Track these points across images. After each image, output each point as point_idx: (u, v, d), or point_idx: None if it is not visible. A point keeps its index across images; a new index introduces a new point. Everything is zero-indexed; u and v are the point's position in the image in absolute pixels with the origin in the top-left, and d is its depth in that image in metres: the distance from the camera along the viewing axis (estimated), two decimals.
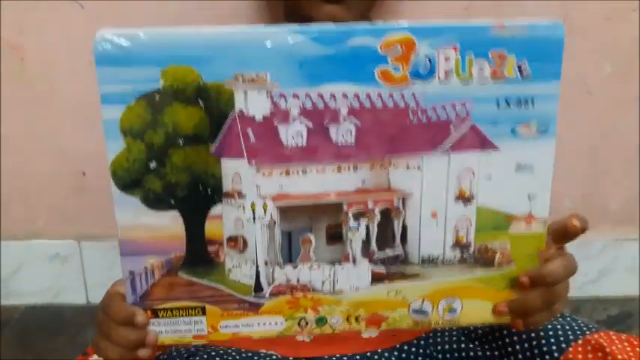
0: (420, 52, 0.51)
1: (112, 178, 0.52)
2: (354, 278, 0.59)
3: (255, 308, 0.58)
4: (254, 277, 0.57)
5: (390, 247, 0.59)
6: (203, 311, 0.58)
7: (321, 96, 0.51)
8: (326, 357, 0.76)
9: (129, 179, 0.52)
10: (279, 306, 0.59)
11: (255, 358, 0.74)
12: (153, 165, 0.52)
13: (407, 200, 0.57)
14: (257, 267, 0.56)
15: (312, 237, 0.57)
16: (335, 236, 0.58)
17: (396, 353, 0.78)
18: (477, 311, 0.60)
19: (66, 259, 1.25)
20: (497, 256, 0.58)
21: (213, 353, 0.74)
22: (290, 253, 0.57)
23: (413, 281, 0.59)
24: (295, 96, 0.51)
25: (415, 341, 0.78)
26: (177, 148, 0.51)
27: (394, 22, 0.52)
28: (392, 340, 0.79)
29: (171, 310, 0.57)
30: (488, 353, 0.72)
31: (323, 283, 0.59)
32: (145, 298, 0.56)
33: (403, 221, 0.57)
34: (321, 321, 0.60)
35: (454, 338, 0.77)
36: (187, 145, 0.51)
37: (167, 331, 0.58)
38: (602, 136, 1.18)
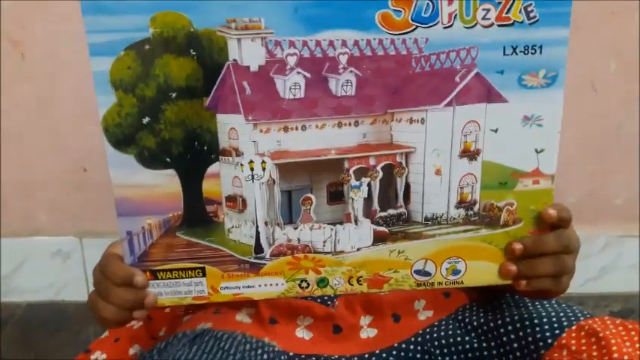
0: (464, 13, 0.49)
1: (104, 135, 0.50)
2: (355, 238, 0.57)
3: (255, 269, 0.57)
4: (254, 237, 0.55)
5: (392, 206, 0.57)
6: (203, 272, 0.57)
7: (319, 43, 0.49)
8: (325, 355, 0.75)
9: (122, 135, 0.50)
10: (280, 267, 0.57)
11: (259, 344, 0.70)
12: (146, 120, 0.50)
13: (410, 156, 0.56)
14: (257, 227, 0.54)
15: (312, 196, 0.56)
16: (336, 195, 0.57)
17: (394, 352, 0.75)
18: (481, 272, 0.58)
19: (68, 255, 1.24)
20: (504, 214, 0.56)
21: (218, 335, 0.70)
22: (290, 213, 0.57)
23: (416, 241, 0.57)
24: (292, 44, 0.49)
25: (413, 339, 0.75)
26: (170, 101, 0.49)
27: None
28: (390, 339, 0.76)
29: (171, 271, 0.56)
30: (484, 345, 0.70)
31: (324, 243, 0.57)
32: (144, 259, 0.54)
33: (406, 178, 0.56)
34: (322, 282, 0.59)
35: (450, 332, 0.74)
36: (180, 98, 0.49)
37: (167, 292, 0.56)
38: (606, 134, 1.18)
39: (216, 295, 0.58)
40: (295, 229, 0.56)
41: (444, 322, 0.75)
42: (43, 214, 1.24)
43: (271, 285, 0.58)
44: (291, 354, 0.72)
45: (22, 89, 1.15)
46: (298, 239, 0.57)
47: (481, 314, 0.70)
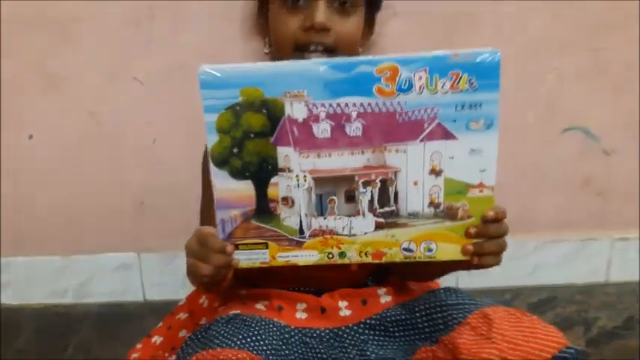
0: (402, 74, 0.63)
1: (210, 159, 0.67)
2: (363, 226, 0.69)
3: (299, 245, 0.70)
4: (298, 224, 0.69)
5: (387, 205, 0.69)
6: (266, 246, 0.70)
7: (339, 105, 0.64)
8: (316, 328, 0.86)
9: (220, 160, 0.67)
10: (315, 244, 0.70)
11: (272, 322, 0.83)
12: (235, 150, 0.67)
13: (397, 173, 0.68)
14: (300, 218, 0.69)
15: (335, 198, 0.69)
16: (350, 198, 0.69)
17: (362, 325, 0.86)
18: (448, 251, 0.69)
19: (130, 267, 1.31)
20: (460, 212, 0.68)
21: (245, 318, 0.82)
22: (321, 209, 0.69)
23: (402, 228, 0.69)
24: (322, 105, 0.64)
25: (375, 316, 0.87)
26: (250, 140, 0.66)
27: (383, 55, 0.64)
28: (360, 317, 0.87)
29: (247, 244, 0.70)
30: (419, 321, 0.82)
31: (343, 229, 0.69)
32: (230, 237, 0.70)
33: (395, 187, 0.68)
34: (342, 255, 0.70)
35: (399, 312, 0.86)
36: (256, 138, 0.66)
37: (243, 259, 0.71)
38: (532, 166, 1.28)
39: (275, 261, 0.71)
40: (324, 219, 0.69)
41: (397, 306, 0.87)
42: (110, 236, 1.29)
43: (309, 256, 0.70)
44: (292, 327, 0.84)
45: (98, 145, 1.22)
46: (326, 226, 0.69)
47: (421, 302, 0.82)
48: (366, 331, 0.85)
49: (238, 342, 0.75)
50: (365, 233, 0.69)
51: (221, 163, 0.68)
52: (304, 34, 0.84)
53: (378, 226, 0.69)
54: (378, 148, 0.67)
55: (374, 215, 0.69)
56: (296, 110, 0.65)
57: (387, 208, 0.69)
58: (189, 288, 1.03)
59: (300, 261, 0.71)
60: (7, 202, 1.26)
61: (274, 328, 0.82)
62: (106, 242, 1.29)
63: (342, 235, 0.69)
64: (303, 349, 0.82)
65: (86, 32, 1.14)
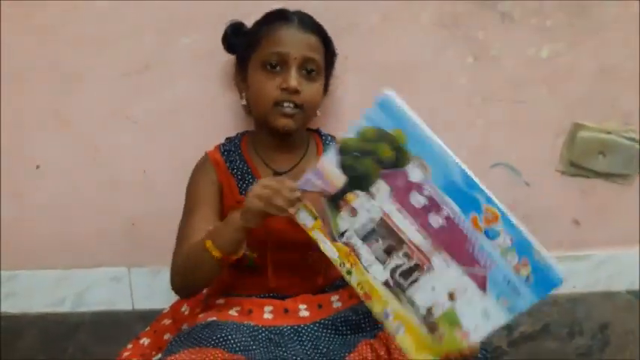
0: (498, 226, 0.69)
1: (339, 142, 0.77)
2: (378, 273, 0.76)
3: (333, 240, 0.79)
4: (344, 230, 0.79)
5: (404, 279, 0.76)
6: (316, 219, 0.80)
7: (442, 199, 0.72)
8: (279, 326, 0.97)
9: (344, 149, 0.78)
10: (342, 249, 0.77)
11: (243, 325, 0.94)
12: (357, 154, 0.76)
13: (429, 271, 0.74)
14: (349, 227, 0.78)
15: (380, 241, 0.78)
16: (388, 251, 0.77)
17: (317, 324, 0.97)
18: (408, 343, 0.73)
19: (121, 279, 1.38)
20: (439, 331, 0.72)
21: (219, 323, 0.93)
22: (366, 237, 0.77)
23: (396, 300, 0.74)
24: (432, 188, 0.72)
25: (328, 317, 0.98)
26: (371, 158, 0.76)
27: (497, 201, 0.71)
28: (316, 317, 0.98)
29: (307, 207, 0.80)
30: (362, 319, 0.93)
31: (365, 260, 0.77)
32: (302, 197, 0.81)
33: (419, 276, 0.75)
34: (348, 272, 0.76)
35: (347, 313, 0.96)
36: (376, 162, 0.76)
37: (298, 212, 0.80)
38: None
39: (310, 233, 0.79)
40: (362, 244, 0.77)
41: (346, 309, 0.98)
42: (104, 252, 1.36)
43: (332, 251, 0.77)
44: (260, 326, 0.96)
45: (94, 175, 1.31)
46: (359, 249, 0.77)
47: (364, 306, 0.85)
48: (320, 329, 0.98)
49: (213, 342, 0.87)
50: (374, 277, 0.76)
51: (342, 151, 0.76)
52: (280, 93, 0.99)
53: (385, 283, 0.75)
54: (436, 246, 0.73)
55: (390, 275, 0.75)
56: (414, 174, 0.73)
57: (401, 280, 0.75)
58: (172, 299, 1.17)
59: (323, 247, 0.78)
60: (13, 222, 1.34)
61: (245, 329, 0.95)
62: (100, 258, 1.36)
63: (361, 263, 0.76)
64: (269, 344, 0.95)
65: (89, 80, 1.25)
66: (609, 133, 1.43)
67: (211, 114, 1.29)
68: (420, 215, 0.73)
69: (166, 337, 1.06)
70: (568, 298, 1.54)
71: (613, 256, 1.53)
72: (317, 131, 1.15)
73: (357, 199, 0.77)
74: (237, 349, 0.88)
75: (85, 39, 1.23)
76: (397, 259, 0.75)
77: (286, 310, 1.01)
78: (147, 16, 1.22)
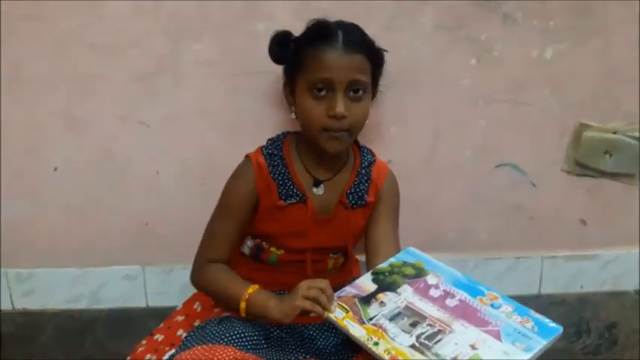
0: (499, 301, 0.87)
1: (374, 271, 0.99)
2: (404, 340, 0.83)
3: (361, 323, 0.87)
4: (374, 315, 0.88)
5: (429, 340, 0.83)
6: (347, 312, 0.89)
7: (454, 290, 0.91)
8: (292, 324, 0.99)
9: (377, 272, 1.00)
10: (369, 329, 0.85)
11: (255, 324, 0.97)
12: (388, 273, 1.00)
13: (451, 332, 0.84)
14: (377, 314, 0.88)
15: (406, 319, 0.87)
16: (413, 325, 0.86)
17: (326, 323, 1.00)
18: None
19: (135, 277, 1.41)
20: None
21: (233, 319, 0.98)
22: (393, 318, 0.87)
23: (422, 356, 0.80)
24: (446, 286, 0.93)
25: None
26: (398, 275, 0.98)
27: (493, 290, 0.89)
28: (317, 320, 0.99)
29: (341, 306, 0.90)
30: None
31: (392, 333, 0.84)
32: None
33: (442, 336, 0.83)
34: (375, 344, 0.83)
35: None
36: (402, 276, 0.98)
37: (334, 309, 0.90)
38: (471, 194, 1.42)
39: (339, 321, 0.87)
40: (389, 323, 0.86)
41: None
42: (119, 251, 1.40)
43: (359, 330, 0.85)
44: (272, 324, 1.00)
45: (108, 180, 1.34)
46: (385, 326, 0.86)
47: None
48: (331, 328, 1.03)
49: (226, 339, 0.90)
50: (400, 343, 0.83)
51: (375, 273, 0.97)
52: (328, 120, 0.99)
53: (412, 346, 0.82)
54: (454, 316, 0.87)
55: (416, 339, 0.83)
56: (431, 279, 0.95)
57: (427, 342, 0.83)
58: (185, 296, 1.20)
59: (352, 330, 0.86)
60: (31, 222, 1.38)
61: (258, 326, 0.98)
62: (114, 257, 1.40)
63: (387, 335, 0.84)
64: (280, 342, 0.98)
65: (103, 85, 1.29)
66: (615, 132, 1.43)
67: (222, 118, 1.32)
68: (438, 301, 0.89)
69: (179, 333, 1.08)
70: (575, 297, 1.56)
71: (620, 255, 1.54)
72: (355, 142, 1.15)
73: (386, 296, 0.91)
74: (250, 346, 0.92)
75: (99, 45, 1.25)
76: (421, 329, 0.84)
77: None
78: (159, 22, 1.25)
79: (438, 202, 1.45)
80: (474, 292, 0.89)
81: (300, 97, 1.02)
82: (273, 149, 1.09)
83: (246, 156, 1.10)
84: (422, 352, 0.79)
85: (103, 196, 1.36)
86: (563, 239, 1.52)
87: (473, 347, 0.79)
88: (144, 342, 1.08)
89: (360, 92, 1.00)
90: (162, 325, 1.12)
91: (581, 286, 1.56)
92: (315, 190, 1.08)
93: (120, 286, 1.43)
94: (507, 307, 0.86)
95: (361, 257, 1.19)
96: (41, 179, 1.35)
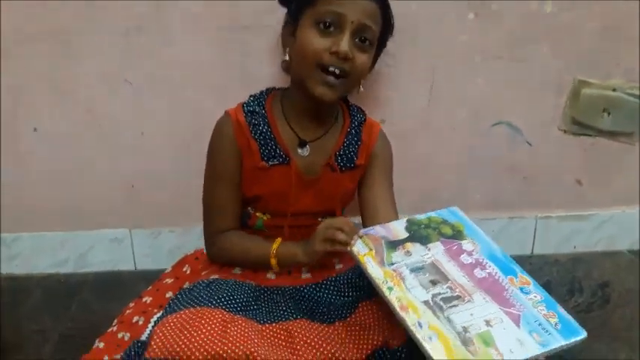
0: (529, 287, 0.81)
1: (411, 220, 0.93)
2: (419, 293, 0.80)
3: (381, 264, 0.85)
4: (396, 262, 0.86)
5: (444, 303, 0.80)
6: (369, 250, 0.87)
7: (487, 262, 0.86)
8: (281, 286, 0.99)
9: (412, 223, 0.95)
10: (388, 272, 0.83)
11: (244, 283, 0.96)
12: (426, 221, 0.96)
13: (469, 302, 0.80)
14: (400, 262, 0.86)
15: (428, 274, 0.84)
16: (433, 282, 0.83)
17: (319, 285, 1.00)
18: (439, 351, 0.72)
19: (122, 241, 1.42)
20: (476, 347, 0.74)
21: (222, 281, 0.95)
22: (415, 270, 0.84)
23: (433, 315, 0.77)
24: (480, 255, 0.88)
25: (331, 277, 1.00)
26: (434, 229, 0.93)
27: (528, 276, 0.83)
28: (318, 278, 1.00)
29: (366, 242, 0.89)
30: (364, 281, 0.94)
31: (409, 283, 0.82)
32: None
33: (459, 303, 0.80)
34: (389, 289, 0.80)
35: (349, 274, 0.99)
36: (436, 231, 0.93)
37: (358, 244, 0.88)
38: (467, 154, 1.42)
39: (361, 258, 0.85)
40: (409, 272, 0.83)
41: (348, 270, 1.01)
42: (105, 214, 1.40)
43: (378, 272, 0.82)
44: (262, 286, 0.98)
45: (93, 141, 1.33)
46: (404, 275, 0.83)
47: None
48: (322, 289, 1.00)
49: (214, 302, 0.88)
50: (414, 296, 0.80)
51: (410, 222, 0.93)
52: (328, 57, 0.93)
53: (425, 302, 0.79)
54: (478, 287, 0.83)
55: (431, 297, 0.80)
56: (466, 245, 0.90)
57: (441, 303, 0.80)
58: (174, 259, 1.20)
59: (370, 269, 0.84)
60: (14, 185, 1.37)
61: (247, 288, 0.96)
62: (101, 220, 1.40)
63: (404, 284, 0.82)
64: (270, 304, 0.97)
65: (83, 42, 1.26)
66: (614, 90, 1.42)
67: (209, 76, 1.29)
68: (466, 268, 0.85)
69: (168, 295, 1.07)
70: (569, 257, 1.57)
71: (615, 215, 1.55)
72: (345, 101, 1.11)
73: (414, 246, 0.88)
74: (239, 308, 0.90)
75: (80, 1, 1.22)
76: (440, 289, 0.81)
77: (289, 272, 1.03)
78: None
79: (433, 162, 1.43)
80: (507, 271, 0.85)
81: (303, 32, 0.96)
82: (255, 106, 1.04)
83: (226, 112, 1.05)
84: (434, 312, 0.77)
85: (88, 158, 1.35)
86: (559, 199, 1.52)
87: (488, 323, 0.77)
88: (132, 304, 1.07)
89: (367, 43, 0.97)
90: (150, 287, 1.12)
91: (575, 247, 1.57)
92: (300, 151, 1.04)
93: (107, 249, 1.43)
94: (536, 296, 0.81)
95: (354, 219, 1.17)
96: (23, 141, 1.33)
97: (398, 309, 0.77)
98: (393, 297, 0.79)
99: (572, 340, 0.75)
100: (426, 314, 0.77)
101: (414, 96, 1.36)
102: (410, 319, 0.76)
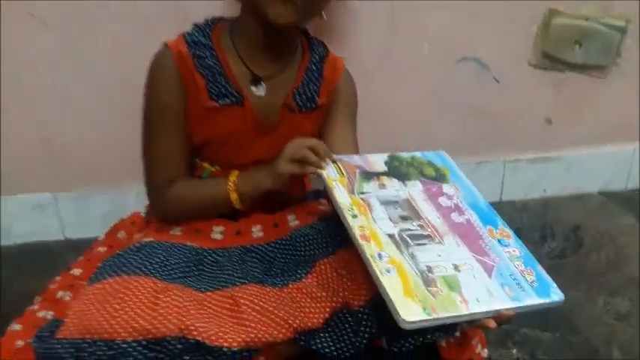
0: (509, 241, 0.76)
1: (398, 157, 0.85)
2: (387, 226, 0.75)
3: (351, 192, 0.78)
4: (367, 190, 0.79)
5: (412, 240, 0.75)
6: (342, 176, 0.82)
7: (466, 208, 0.80)
8: (228, 247, 0.89)
9: (392, 158, 0.88)
10: (356, 201, 0.77)
11: (183, 249, 0.86)
12: (408, 158, 0.88)
13: (439, 243, 0.75)
14: (373, 194, 0.80)
15: (399, 209, 0.78)
16: (404, 218, 0.77)
17: (272, 244, 0.91)
18: (392, 286, 0.68)
19: (46, 207, 1.32)
20: (439, 289, 0.70)
21: (155, 245, 0.85)
22: (387, 206, 0.78)
23: (396, 249, 0.73)
24: (460, 200, 0.82)
25: (286, 236, 0.91)
26: (415, 167, 0.86)
27: (506, 225, 0.77)
28: (271, 237, 0.92)
29: (338, 166, 0.83)
30: (321, 236, 0.88)
31: (376, 214, 0.76)
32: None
33: (428, 242, 0.75)
34: (354, 216, 0.75)
35: (306, 230, 0.90)
36: (415, 169, 0.86)
37: (329, 169, 0.81)
38: (431, 94, 1.36)
39: (330, 182, 0.79)
40: (380, 205, 0.77)
41: (304, 227, 0.92)
42: (23, 177, 1.29)
43: (346, 199, 0.77)
44: (206, 248, 0.88)
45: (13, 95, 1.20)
46: (374, 205, 0.77)
47: (323, 222, 0.89)
48: (275, 250, 0.91)
49: (145, 269, 0.79)
50: (380, 228, 0.75)
51: (392, 158, 0.86)
52: None
53: (390, 235, 0.74)
54: (452, 231, 0.77)
55: (398, 232, 0.75)
56: (448, 189, 0.83)
57: (407, 239, 0.75)
58: (107, 225, 1.09)
59: (337, 194, 0.78)
60: None
61: (186, 252, 0.86)
62: (20, 183, 1.30)
63: (370, 213, 0.76)
64: (214, 268, 0.87)
65: None
66: (587, 19, 1.35)
67: (138, 10, 1.17)
68: (443, 210, 0.79)
69: (100, 264, 0.94)
70: (538, 202, 1.55)
71: (585, 156, 1.53)
72: (304, 33, 1.00)
73: (390, 181, 0.82)
74: (175, 275, 0.80)
75: None
76: (410, 225, 0.76)
77: (238, 232, 0.94)
78: None
79: (395, 104, 1.36)
80: (487, 220, 0.79)
81: None
82: (200, 37, 0.91)
83: (164, 44, 0.91)
84: (398, 246, 0.72)
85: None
86: (527, 141, 1.48)
87: (456, 268, 0.71)
88: (58, 278, 0.98)
89: None
90: (81, 258, 1.02)
91: (545, 190, 1.55)
92: (254, 89, 0.93)
93: (30, 217, 1.33)
94: (515, 251, 0.76)
95: None
96: None
97: (358, 237, 0.72)
98: (356, 225, 0.74)
99: (548, 300, 0.71)
100: (389, 247, 0.72)
101: (373, 30, 1.28)
102: (369, 250, 0.71)
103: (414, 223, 0.77)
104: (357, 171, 0.83)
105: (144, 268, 0.78)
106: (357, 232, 0.73)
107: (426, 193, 0.82)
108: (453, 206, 0.81)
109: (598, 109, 1.47)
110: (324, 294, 0.80)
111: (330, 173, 0.82)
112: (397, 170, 0.85)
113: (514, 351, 1.07)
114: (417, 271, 0.70)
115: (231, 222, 0.95)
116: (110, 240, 1.06)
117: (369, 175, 0.83)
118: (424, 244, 0.74)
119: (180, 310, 0.72)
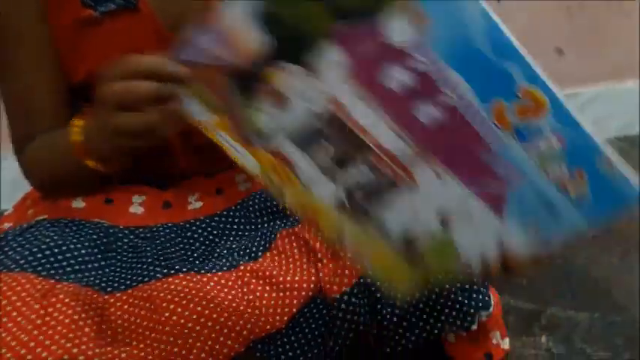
0: (542, 120, 0.44)
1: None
2: (326, 190, 0.56)
3: (248, 144, 0.55)
4: (267, 127, 0.54)
5: (369, 201, 0.57)
6: (216, 112, 0.55)
7: (443, 73, 0.47)
8: (151, 225, 0.75)
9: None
10: (264, 159, 0.55)
11: (85, 229, 0.72)
12: None
13: (408, 190, 0.52)
14: (276, 125, 0.55)
15: (328, 147, 0.54)
16: (341, 162, 0.55)
17: (217, 218, 0.78)
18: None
19: None
20: (428, 264, 0.58)
21: (46, 225, 0.70)
22: (305, 141, 0.54)
23: (354, 225, 0.57)
24: (426, 56, 0.47)
25: (236, 205, 0.79)
26: None
27: (544, 76, 0.44)
28: (214, 209, 0.79)
29: (201, 94, 0.55)
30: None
31: (307, 178, 0.56)
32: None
33: (391, 195, 0.56)
34: (282, 194, 0.57)
35: (261, 196, 0.79)
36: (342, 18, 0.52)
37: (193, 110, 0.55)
38: None
39: (209, 134, 0.54)
40: (296, 151, 0.56)
41: (260, 191, 0.78)
42: None
43: (251, 163, 0.56)
44: (120, 227, 0.73)
45: None
46: (290, 156, 0.57)
47: None
48: (221, 225, 0.76)
49: (24, 262, 0.63)
50: (319, 196, 0.56)
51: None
52: None
53: (340, 206, 0.55)
54: (424, 153, 0.50)
55: (346, 196, 0.55)
56: (397, 30, 0.46)
57: (364, 203, 0.55)
58: (16, 197, 0.89)
59: (237, 158, 0.55)
60: None
61: (90, 232, 0.70)
62: None
63: (296, 176, 0.55)
64: (131, 255, 0.71)
65: None
66: None
67: None
68: (399, 104, 0.49)
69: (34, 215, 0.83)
70: None
71: (603, 93, 1.46)
72: None
73: (288, 78, 0.51)
74: (70, 270, 0.65)
75: None
76: (356, 174, 0.54)
77: (167, 205, 0.77)
78: None
79: None
80: (492, 86, 0.47)
81: None
82: None
83: None
84: (355, 219, 0.55)
85: None
86: None
87: (442, 221, 0.51)
88: None
89: None
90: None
91: None
92: None
93: None
94: (552, 141, 0.46)
95: None
96: None
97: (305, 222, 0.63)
98: (290, 205, 0.58)
99: (609, 218, 0.46)
100: (347, 225, 0.56)
101: None
102: (327, 233, 0.57)
103: (361, 166, 0.54)
104: (228, 81, 0.55)
105: (22, 261, 0.62)
106: (298, 214, 0.59)
107: (357, 77, 0.50)
108: (416, 85, 0.49)
109: (618, 38, 1.41)
110: (288, 278, 0.66)
111: (199, 116, 0.57)
112: (283, 27, 0.54)
113: (543, 339, 0.93)
114: (392, 244, 0.55)
115: (158, 191, 0.78)
116: (19, 213, 0.83)
117: (248, 82, 0.54)
118: (388, 199, 0.53)
119: (67, 329, 0.57)
